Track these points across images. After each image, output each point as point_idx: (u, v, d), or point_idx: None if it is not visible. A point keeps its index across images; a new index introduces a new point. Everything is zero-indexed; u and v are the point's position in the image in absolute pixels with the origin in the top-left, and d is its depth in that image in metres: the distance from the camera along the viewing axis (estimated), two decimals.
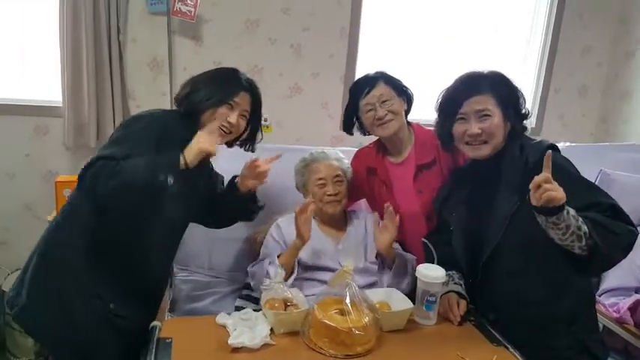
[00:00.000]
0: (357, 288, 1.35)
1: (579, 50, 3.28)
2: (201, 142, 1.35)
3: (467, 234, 1.49)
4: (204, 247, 1.90)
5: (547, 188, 1.16)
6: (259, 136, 1.63)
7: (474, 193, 1.51)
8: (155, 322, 1.35)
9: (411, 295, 1.49)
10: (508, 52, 3.22)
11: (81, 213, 1.36)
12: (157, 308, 1.57)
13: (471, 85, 1.42)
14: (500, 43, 3.18)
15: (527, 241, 1.34)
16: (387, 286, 1.59)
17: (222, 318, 1.37)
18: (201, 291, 1.86)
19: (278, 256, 1.60)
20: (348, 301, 1.31)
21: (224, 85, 1.47)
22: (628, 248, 1.27)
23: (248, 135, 1.61)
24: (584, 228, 1.21)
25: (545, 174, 1.17)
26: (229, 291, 1.89)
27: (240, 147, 1.63)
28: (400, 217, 1.76)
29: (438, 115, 1.51)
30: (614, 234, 1.24)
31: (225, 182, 1.69)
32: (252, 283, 1.70)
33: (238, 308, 1.75)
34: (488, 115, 1.39)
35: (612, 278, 1.99)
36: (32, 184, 2.60)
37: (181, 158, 1.32)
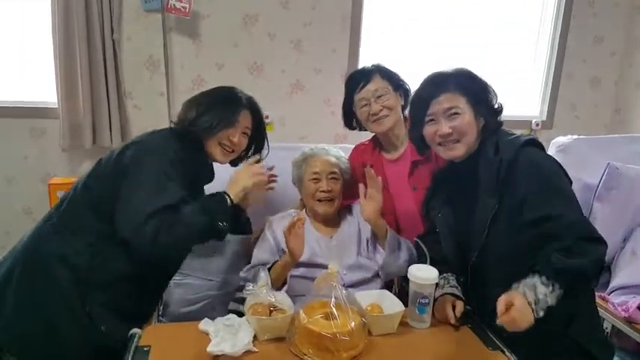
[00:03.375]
0: (343, 290, 1.29)
1: (591, 40, 3.16)
2: (245, 179, 1.44)
3: (454, 235, 1.45)
4: (199, 250, 1.84)
5: (509, 320, 1.10)
6: (265, 152, 1.65)
7: (456, 194, 1.47)
8: (134, 330, 1.30)
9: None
10: (518, 42, 3.13)
11: (91, 235, 1.34)
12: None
13: (436, 85, 1.38)
14: (510, 34, 3.08)
15: (511, 246, 1.30)
16: (383, 264, 1.56)
17: (204, 324, 1.32)
18: (195, 294, 1.83)
19: (269, 268, 1.56)
20: (332, 304, 1.26)
21: (227, 107, 1.47)
22: (598, 268, 1.21)
23: (253, 152, 1.63)
24: (555, 294, 1.15)
25: (504, 303, 1.12)
26: (223, 294, 1.85)
27: None
28: (396, 215, 1.70)
29: (410, 120, 1.47)
30: (581, 273, 1.17)
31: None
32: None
33: (232, 312, 1.69)
34: (458, 114, 1.35)
35: (622, 276, 1.91)
36: (31, 187, 2.60)
37: (227, 199, 1.38)
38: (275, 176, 1.67)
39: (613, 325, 1.78)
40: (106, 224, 1.31)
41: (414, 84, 1.72)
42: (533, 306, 1.12)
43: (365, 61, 2.82)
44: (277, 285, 1.53)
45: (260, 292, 1.33)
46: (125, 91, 2.59)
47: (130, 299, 1.37)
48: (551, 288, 1.14)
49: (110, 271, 1.34)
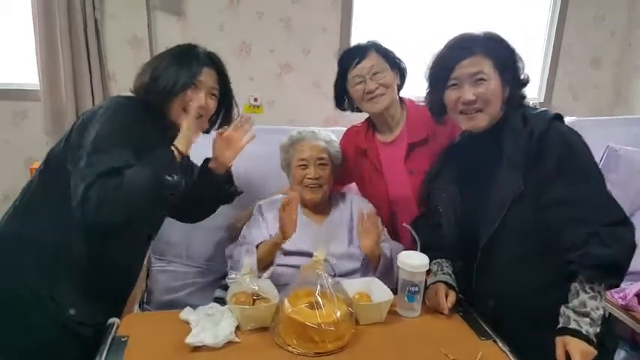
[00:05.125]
0: (329, 279, 1.25)
1: (591, 18, 3.07)
2: (188, 124, 1.28)
3: (460, 216, 1.38)
4: (182, 235, 1.82)
5: None
6: (235, 112, 1.50)
7: (470, 170, 1.39)
8: (112, 319, 1.26)
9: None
10: (515, 21, 3.04)
11: (56, 214, 1.25)
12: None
13: (463, 47, 1.30)
14: (507, 13, 3.00)
15: (529, 225, 1.25)
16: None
17: (186, 313, 1.28)
18: (179, 282, 1.78)
19: (257, 246, 1.50)
20: (318, 293, 1.22)
21: (184, 65, 1.33)
22: (631, 256, 1.17)
23: (223, 115, 1.49)
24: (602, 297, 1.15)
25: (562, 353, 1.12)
26: (209, 281, 1.80)
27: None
28: (390, 201, 1.64)
29: (428, 83, 1.39)
30: (617, 264, 1.14)
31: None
32: (228, 266, 1.61)
33: (218, 299, 1.65)
34: (483, 80, 1.27)
35: None
36: (13, 172, 2.53)
37: (174, 150, 1.24)
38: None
39: (610, 313, 1.73)
40: (68, 202, 1.20)
41: (408, 65, 1.69)
42: (592, 337, 1.11)
43: (357, 41, 2.81)
44: (263, 266, 1.46)
45: (243, 280, 1.28)
46: (109, 73, 2.51)
47: (101, 281, 1.29)
48: (597, 294, 1.13)
49: (76, 251, 1.26)
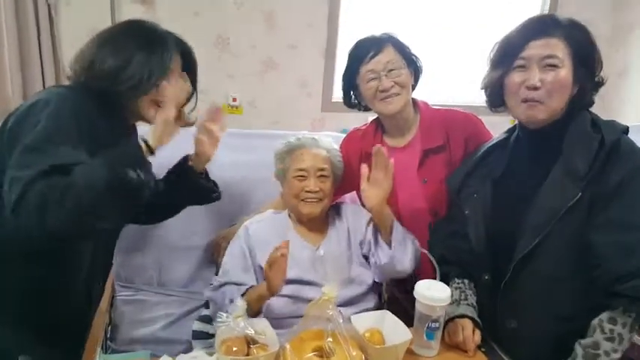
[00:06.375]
0: (340, 319, 1.06)
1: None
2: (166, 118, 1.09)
3: (491, 222, 1.25)
4: (153, 257, 1.66)
5: None
6: (193, 102, 1.30)
7: (513, 172, 1.25)
8: None
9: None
10: (507, 21, 2.93)
11: None
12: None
13: (540, 26, 1.17)
14: (497, 14, 2.90)
15: (574, 245, 1.13)
16: (388, 262, 1.34)
17: None
18: (150, 313, 1.62)
19: (243, 295, 1.30)
20: (329, 340, 1.03)
21: (154, 51, 1.12)
22: None
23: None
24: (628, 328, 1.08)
25: None
26: (185, 312, 1.64)
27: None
28: (398, 212, 1.48)
29: (490, 65, 1.25)
30: None
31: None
32: (211, 313, 1.42)
33: (197, 334, 1.49)
34: (556, 66, 1.13)
35: None
36: None
37: (143, 144, 1.04)
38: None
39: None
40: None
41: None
42: None
43: (345, 37, 2.68)
44: (249, 315, 1.26)
45: (236, 324, 1.06)
46: (64, 69, 2.23)
47: (48, 313, 1.09)
48: (616, 336, 1.06)
49: (12, 280, 1.05)
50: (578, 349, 1.08)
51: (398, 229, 1.38)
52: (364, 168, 1.35)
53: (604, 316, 1.07)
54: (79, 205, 0.90)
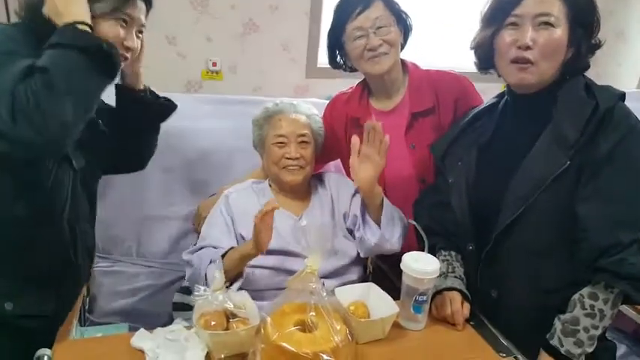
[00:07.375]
0: (324, 293, 1.03)
1: None
2: None
3: (475, 191, 1.21)
4: (131, 227, 1.64)
5: None
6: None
7: (500, 138, 1.21)
8: (42, 351, 0.98)
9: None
10: None
11: None
12: (75, 296, 1.24)
13: None
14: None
15: (559, 215, 1.09)
16: (374, 245, 1.32)
17: (139, 339, 1.03)
18: (128, 285, 1.60)
19: (223, 255, 1.26)
20: (312, 313, 1.00)
21: None
22: None
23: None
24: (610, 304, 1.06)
25: None
26: (165, 284, 1.64)
27: None
28: (384, 179, 1.45)
29: (482, 23, 1.19)
30: None
31: None
32: (186, 276, 1.37)
33: (178, 305, 1.47)
34: (550, 25, 1.07)
35: None
36: None
37: (73, 26, 0.97)
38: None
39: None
40: None
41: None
42: (575, 358, 1.05)
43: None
44: (230, 278, 1.23)
45: (214, 297, 1.02)
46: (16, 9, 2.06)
47: (33, 255, 1.07)
48: (596, 312, 1.04)
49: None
50: (557, 324, 1.06)
51: (387, 207, 1.35)
52: (355, 139, 1.29)
53: (585, 291, 1.04)
54: (69, 83, 0.90)
